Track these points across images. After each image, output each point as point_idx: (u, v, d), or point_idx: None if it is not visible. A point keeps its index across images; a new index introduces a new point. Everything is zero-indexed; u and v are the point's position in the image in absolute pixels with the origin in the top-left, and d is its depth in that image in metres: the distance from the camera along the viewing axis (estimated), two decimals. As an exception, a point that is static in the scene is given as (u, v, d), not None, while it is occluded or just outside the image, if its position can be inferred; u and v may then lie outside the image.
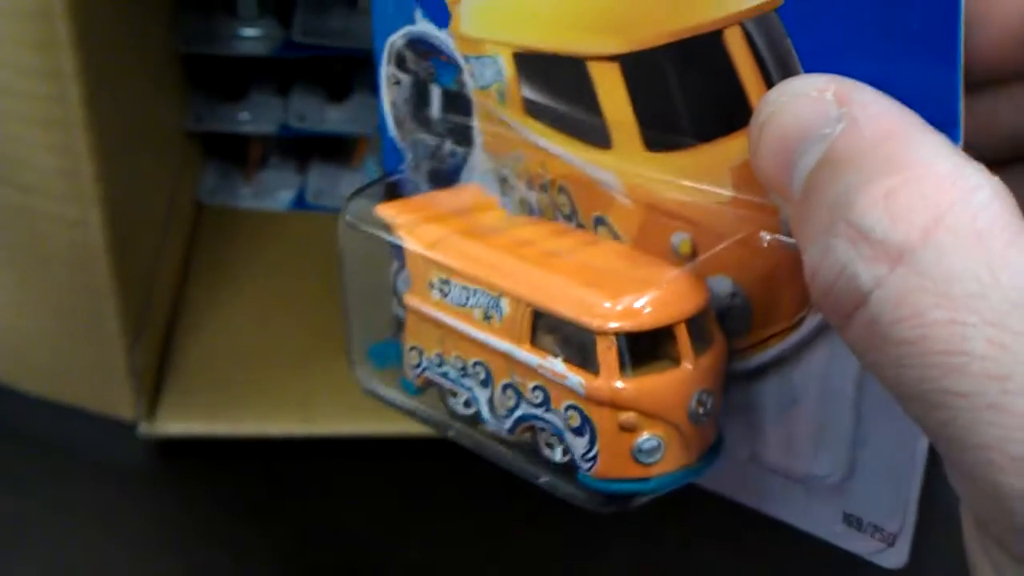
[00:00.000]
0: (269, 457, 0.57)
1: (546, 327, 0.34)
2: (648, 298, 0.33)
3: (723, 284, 0.35)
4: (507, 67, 0.39)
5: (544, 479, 0.35)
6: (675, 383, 0.33)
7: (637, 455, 0.33)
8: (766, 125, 0.30)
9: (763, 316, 0.35)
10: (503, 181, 0.41)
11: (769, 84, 0.32)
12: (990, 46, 0.32)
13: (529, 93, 0.38)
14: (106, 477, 0.54)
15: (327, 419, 0.56)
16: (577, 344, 0.33)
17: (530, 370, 0.34)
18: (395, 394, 0.40)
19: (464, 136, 0.41)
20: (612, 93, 0.36)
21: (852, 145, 0.28)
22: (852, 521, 0.35)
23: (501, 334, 0.35)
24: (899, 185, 0.26)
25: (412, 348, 0.38)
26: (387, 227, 0.39)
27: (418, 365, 0.38)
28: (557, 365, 0.33)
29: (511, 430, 0.36)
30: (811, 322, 0.34)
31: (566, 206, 0.39)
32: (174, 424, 0.56)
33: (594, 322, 0.32)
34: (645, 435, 0.33)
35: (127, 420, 0.53)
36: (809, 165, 0.29)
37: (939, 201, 0.26)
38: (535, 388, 0.34)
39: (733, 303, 0.35)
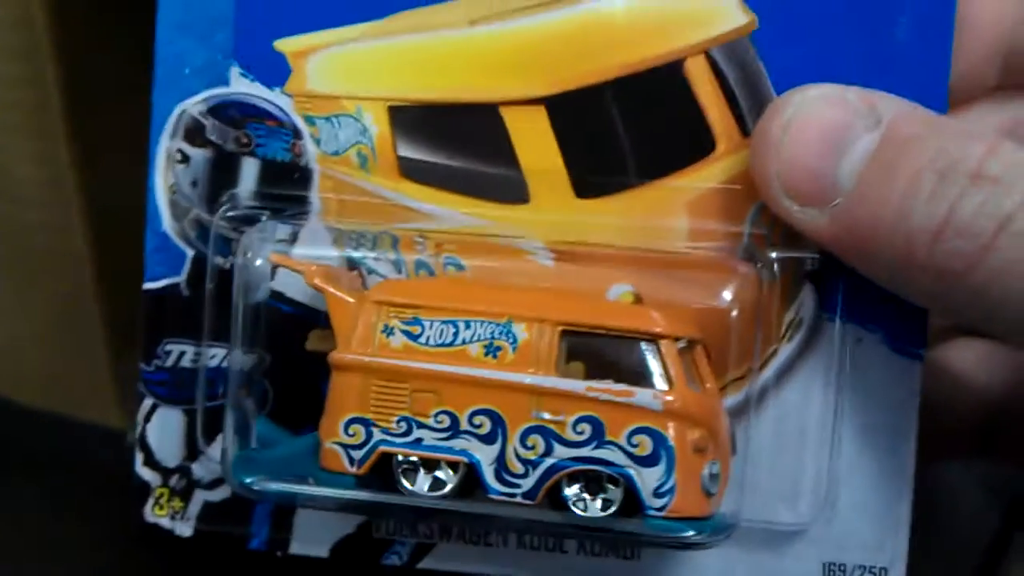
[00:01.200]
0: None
1: (575, 350, 0.28)
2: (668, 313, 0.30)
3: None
4: (377, 124, 0.34)
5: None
6: (717, 402, 0.29)
7: (707, 484, 0.28)
8: (791, 128, 0.31)
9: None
10: (351, 265, 0.34)
11: (736, 110, 0.33)
12: (966, 66, 0.37)
13: (408, 152, 0.34)
14: (94, 485, 0.49)
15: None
16: (621, 363, 0.28)
17: (571, 400, 0.28)
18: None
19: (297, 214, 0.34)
20: (534, 140, 0.34)
21: (910, 129, 0.30)
22: (833, 570, 0.33)
23: (518, 367, 0.28)
24: (990, 146, 0.29)
25: (352, 421, 0.29)
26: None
27: (364, 443, 0.28)
28: (614, 385, 0.28)
29: (534, 491, 0.28)
30: (780, 357, 0.33)
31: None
32: None
33: (655, 327, 0.28)
34: (711, 459, 0.28)
35: (115, 428, 0.52)
36: (860, 158, 0.30)
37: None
38: (580, 421, 0.28)
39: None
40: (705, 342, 0.32)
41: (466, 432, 0.29)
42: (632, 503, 0.29)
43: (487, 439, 0.29)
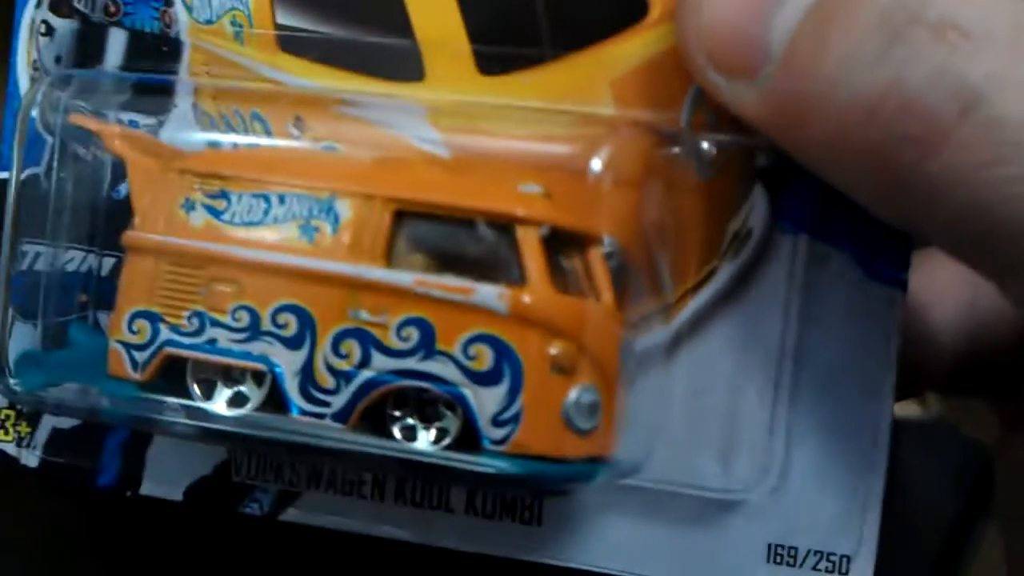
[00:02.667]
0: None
1: (410, 239, 0.22)
2: (562, 204, 0.23)
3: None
4: (253, -12, 0.28)
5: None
6: (611, 316, 0.23)
7: (571, 415, 0.21)
8: None
9: (651, 281, 0.27)
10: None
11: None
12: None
13: (288, 19, 0.28)
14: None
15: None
16: (472, 256, 0.22)
17: (397, 297, 0.22)
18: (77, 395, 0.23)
19: (161, 94, 0.29)
20: (430, 5, 0.27)
21: None
22: (781, 554, 0.26)
23: (336, 252, 0.22)
24: None
25: (137, 315, 0.23)
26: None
27: (150, 342, 0.23)
28: (450, 280, 0.21)
29: (346, 411, 0.22)
30: (721, 276, 0.26)
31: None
32: None
33: (516, 208, 0.22)
34: (581, 384, 0.22)
35: None
36: (794, 14, 0.23)
37: None
38: (405, 324, 0.22)
39: (609, 264, 0.26)
40: (623, 251, 0.26)
41: (267, 333, 0.23)
42: (471, 433, 0.22)
43: (292, 343, 0.23)
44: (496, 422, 0.22)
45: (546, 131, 0.27)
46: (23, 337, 0.30)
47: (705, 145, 0.26)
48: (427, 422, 0.23)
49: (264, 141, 0.26)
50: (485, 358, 0.22)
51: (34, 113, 0.29)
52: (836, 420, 0.26)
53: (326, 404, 0.23)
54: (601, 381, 0.23)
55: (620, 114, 0.27)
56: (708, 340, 0.27)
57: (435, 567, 0.31)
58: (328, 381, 0.23)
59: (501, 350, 0.22)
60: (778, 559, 0.27)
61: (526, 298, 0.22)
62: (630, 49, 0.27)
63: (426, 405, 0.23)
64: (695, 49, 0.25)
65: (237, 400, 0.24)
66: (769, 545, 0.27)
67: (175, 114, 0.29)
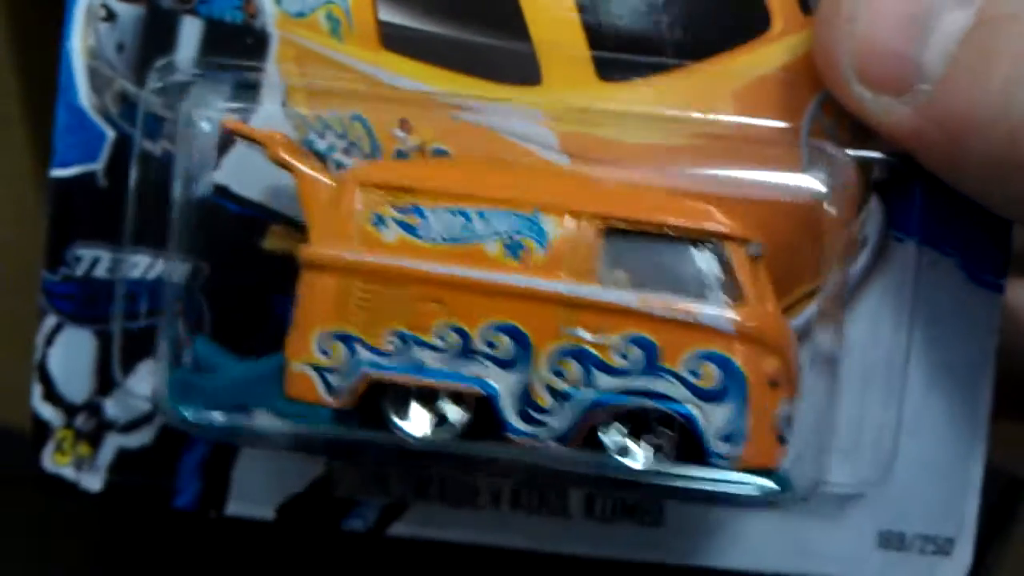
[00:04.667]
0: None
1: (618, 254, 0.22)
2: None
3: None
4: (355, -21, 0.27)
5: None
6: (789, 328, 0.23)
7: (782, 427, 0.22)
8: (866, 1, 0.25)
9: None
10: (319, 157, 0.27)
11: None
12: None
13: (392, 16, 0.27)
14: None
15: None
16: (677, 273, 0.22)
17: (617, 316, 0.21)
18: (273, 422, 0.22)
19: (247, 90, 0.27)
20: (549, 6, 0.27)
21: (1010, 6, 0.24)
22: (891, 541, 0.27)
23: (548, 271, 0.22)
24: None
25: (327, 336, 0.22)
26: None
27: (346, 366, 0.21)
28: (671, 297, 0.21)
29: (570, 431, 0.21)
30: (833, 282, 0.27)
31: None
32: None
33: (723, 226, 0.22)
34: (788, 395, 0.22)
35: None
36: (950, 38, 0.24)
37: None
38: (629, 343, 0.21)
39: None
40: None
41: (480, 354, 0.22)
42: (688, 449, 0.23)
43: (507, 364, 0.22)
44: (724, 438, 0.22)
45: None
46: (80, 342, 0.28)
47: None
48: (640, 439, 0.23)
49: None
50: (712, 376, 0.22)
51: (85, 102, 0.27)
52: (940, 414, 0.28)
53: (544, 425, 0.22)
54: (795, 392, 0.24)
55: (744, 123, 0.28)
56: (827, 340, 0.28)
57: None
58: (547, 401, 0.22)
59: (727, 368, 0.22)
60: (887, 544, 0.29)
61: (746, 316, 0.22)
62: (753, 60, 0.27)
63: (635, 423, 0.23)
64: (842, 62, 0.26)
65: (438, 422, 0.23)
66: (879, 532, 0.28)
67: (258, 116, 0.28)
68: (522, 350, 0.22)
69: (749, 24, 0.27)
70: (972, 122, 0.24)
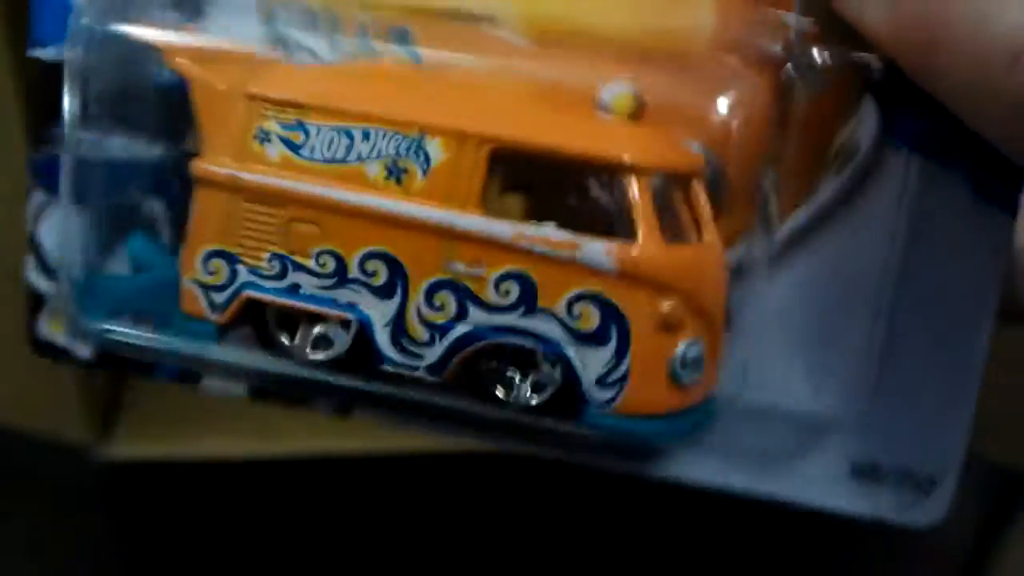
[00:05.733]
0: (227, 480, 0.51)
1: (514, 179, 0.20)
2: (662, 134, 0.21)
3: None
4: None
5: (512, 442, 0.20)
6: (718, 256, 0.21)
7: (679, 370, 0.21)
8: None
9: (745, 193, 0.25)
10: (279, 41, 0.26)
11: None
12: None
13: None
14: (57, 502, 0.49)
15: (287, 438, 0.51)
16: (574, 202, 0.20)
17: (495, 249, 0.20)
18: (151, 337, 0.22)
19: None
20: None
21: None
22: (864, 471, 0.26)
23: (428, 196, 0.21)
24: None
25: (212, 255, 0.22)
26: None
27: (228, 283, 0.22)
28: (554, 231, 0.20)
29: (441, 364, 0.21)
30: (823, 192, 0.25)
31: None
32: (129, 447, 0.52)
33: (628, 154, 0.20)
34: (688, 339, 0.21)
35: (78, 444, 0.50)
36: None
37: None
38: (504, 278, 0.20)
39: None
40: (719, 169, 0.24)
41: (355, 281, 0.21)
42: (571, 390, 0.21)
43: (382, 292, 0.21)
44: (602, 383, 0.21)
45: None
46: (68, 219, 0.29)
47: (817, 57, 0.24)
48: (525, 374, 0.22)
49: (327, 50, 0.24)
50: (591, 318, 0.20)
51: None
52: (930, 344, 0.25)
53: (419, 356, 0.21)
54: (707, 330, 0.22)
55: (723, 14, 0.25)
56: (809, 257, 0.26)
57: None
58: (422, 334, 0.21)
59: (608, 310, 0.20)
60: (860, 474, 0.27)
61: (636, 255, 0.20)
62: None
63: (520, 356, 0.21)
64: None
65: (322, 343, 0.22)
66: (852, 463, 0.27)
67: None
68: (398, 279, 0.21)
69: None
70: (939, 34, 0.20)
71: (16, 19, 0.47)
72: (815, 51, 0.24)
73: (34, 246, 0.29)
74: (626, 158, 0.20)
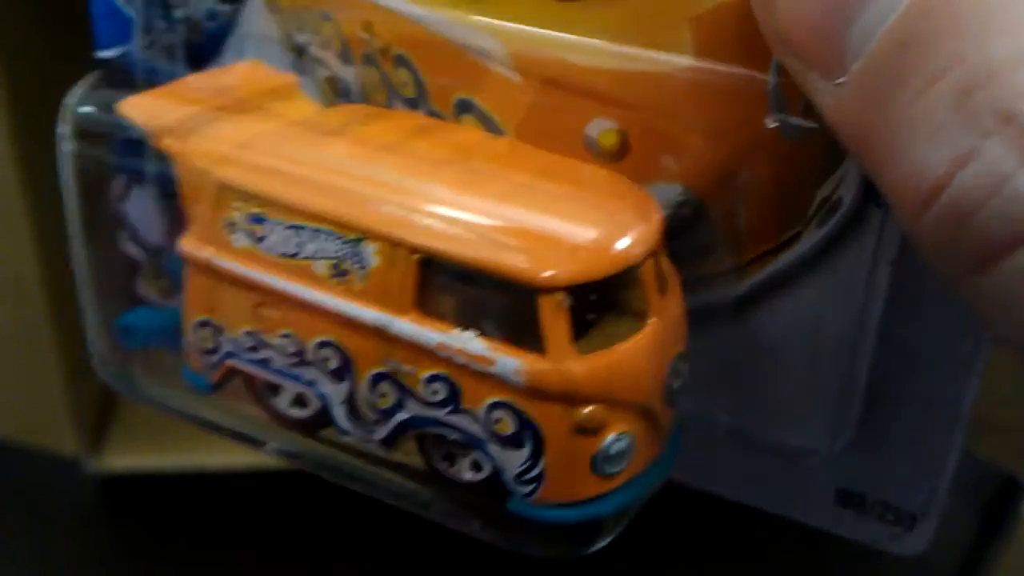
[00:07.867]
0: (219, 491, 0.55)
1: (441, 284, 0.22)
2: (599, 229, 0.21)
3: (668, 191, 0.25)
4: None
5: (445, 514, 0.23)
6: (648, 350, 0.22)
7: (602, 465, 0.22)
8: None
9: (730, 234, 0.25)
10: (299, 52, 0.28)
11: None
12: None
13: None
14: (48, 516, 0.52)
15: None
16: (496, 309, 0.21)
17: (423, 352, 0.22)
18: (171, 393, 0.26)
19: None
20: None
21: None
22: (852, 501, 0.26)
23: (366, 298, 0.22)
24: None
25: (201, 324, 0.25)
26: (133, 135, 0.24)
27: (213, 350, 0.24)
28: (472, 342, 0.21)
29: (388, 441, 0.23)
30: (805, 243, 0.24)
31: (408, 85, 0.26)
32: (121, 459, 0.54)
33: (536, 271, 0.21)
34: (612, 435, 0.22)
35: (69, 456, 0.52)
36: (878, 20, 0.18)
37: None
38: (433, 380, 0.22)
39: (681, 214, 0.24)
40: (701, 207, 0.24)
41: (312, 363, 0.23)
42: (498, 478, 0.22)
43: (336, 375, 0.23)
44: (520, 480, 0.22)
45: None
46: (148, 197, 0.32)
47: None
48: (465, 453, 0.23)
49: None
50: (507, 423, 0.21)
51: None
52: (914, 389, 0.25)
53: (372, 431, 0.23)
54: (638, 420, 0.22)
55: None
56: (785, 304, 0.25)
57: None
58: (370, 415, 0.23)
59: (521, 419, 0.21)
60: (846, 503, 0.27)
61: (543, 371, 0.21)
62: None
63: (456, 442, 0.23)
64: (772, 32, 0.21)
65: (298, 402, 0.24)
66: (837, 489, 0.27)
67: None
68: (346, 367, 0.23)
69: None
70: (873, 138, 0.19)
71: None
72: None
73: (125, 221, 0.32)
74: (533, 277, 0.20)
